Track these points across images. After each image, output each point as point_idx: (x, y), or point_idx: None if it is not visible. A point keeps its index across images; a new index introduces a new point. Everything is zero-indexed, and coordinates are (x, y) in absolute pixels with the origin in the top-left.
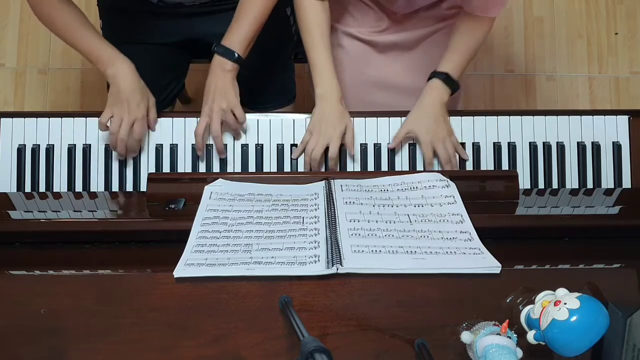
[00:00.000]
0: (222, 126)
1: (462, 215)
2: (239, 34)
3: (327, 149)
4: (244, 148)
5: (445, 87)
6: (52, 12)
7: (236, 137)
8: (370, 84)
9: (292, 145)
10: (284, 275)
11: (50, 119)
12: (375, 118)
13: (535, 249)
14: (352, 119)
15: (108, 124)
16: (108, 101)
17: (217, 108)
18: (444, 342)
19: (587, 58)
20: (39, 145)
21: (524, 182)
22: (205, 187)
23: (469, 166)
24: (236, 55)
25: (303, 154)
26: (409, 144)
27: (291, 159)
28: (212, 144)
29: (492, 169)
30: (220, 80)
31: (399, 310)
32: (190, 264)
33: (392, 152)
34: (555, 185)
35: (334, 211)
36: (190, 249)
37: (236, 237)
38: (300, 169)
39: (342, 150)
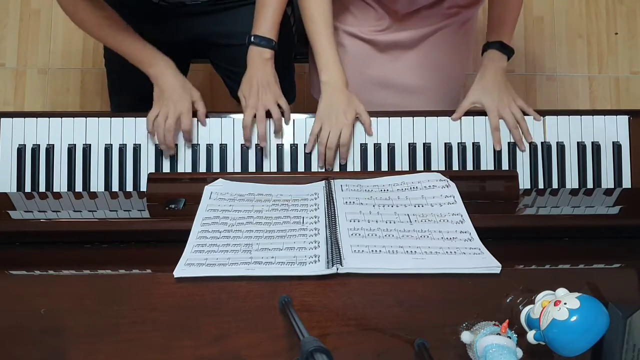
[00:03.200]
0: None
1: (462, 215)
2: (268, 21)
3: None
4: (244, 148)
5: (501, 55)
6: (86, 17)
7: (278, 131)
8: (371, 84)
9: (291, 145)
10: (284, 275)
11: (50, 119)
12: (376, 118)
13: (535, 249)
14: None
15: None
16: (154, 101)
17: (263, 100)
18: (444, 342)
19: (587, 58)
20: (39, 145)
21: (524, 182)
22: (205, 187)
23: (469, 166)
24: (273, 42)
25: (316, 145)
26: (409, 143)
27: (291, 158)
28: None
29: (492, 169)
30: (261, 72)
31: (399, 310)
32: (190, 264)
33: (392, 152)
34: (555, 185)
35: (334, 211)
36: (190, 249)
37: (236, 237)
38: (301, 168)
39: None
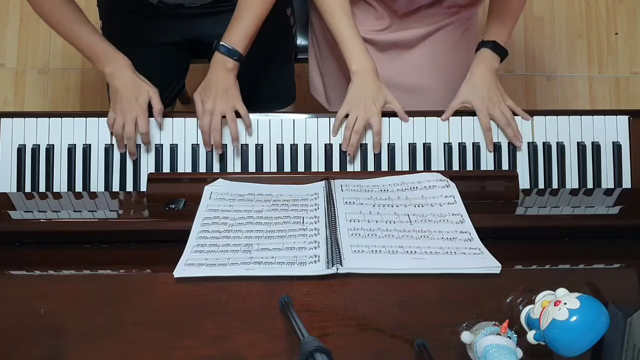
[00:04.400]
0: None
1: (462, 215)
2: (240, 32)
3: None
4: (244, 148)
5: (494, 55)
6: (50, 8)
7: (234, 141)
8: None
9: (291, 145)
10: (284, 275)
11: (50, 119)
12: None
13: (535, 249)
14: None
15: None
16: (110, 102)
17: (219, 106)
18: (444, 342)
19: (587, 58)
20: (39, 145)
21: (524, 182)
22: (205, 187)
23: (469, 166)
24: (239, 54)
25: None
26: (409, 143)
27: (291, 158)
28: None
29: (492, 169)
30: (222, 79)
31: (399, 310)
32: (190, 264)
33: (392, 152)
34: (555, 185)
35: (334, 211)
36: (190, 249)
37: (236, 237)
38: (301, 168)
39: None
